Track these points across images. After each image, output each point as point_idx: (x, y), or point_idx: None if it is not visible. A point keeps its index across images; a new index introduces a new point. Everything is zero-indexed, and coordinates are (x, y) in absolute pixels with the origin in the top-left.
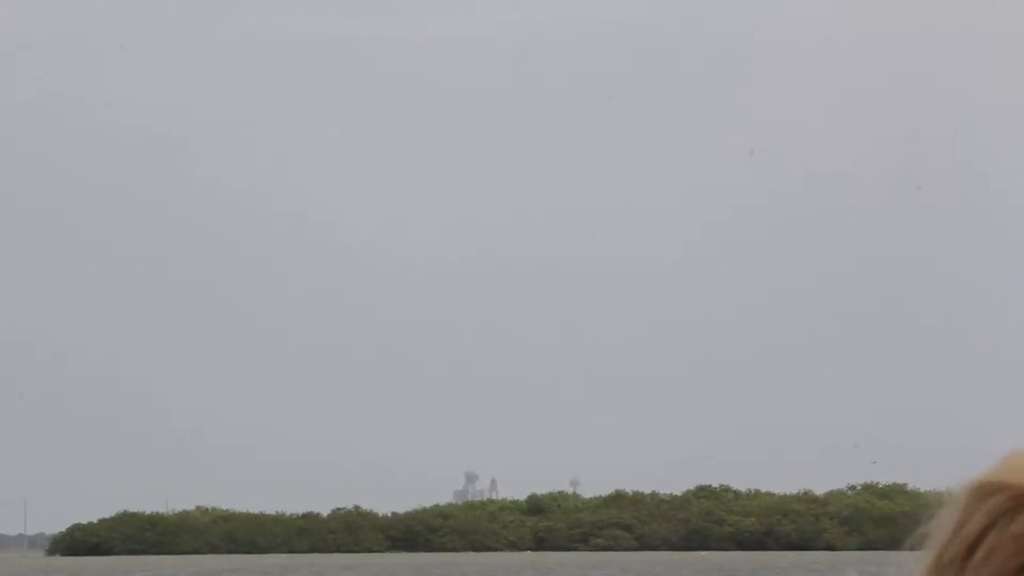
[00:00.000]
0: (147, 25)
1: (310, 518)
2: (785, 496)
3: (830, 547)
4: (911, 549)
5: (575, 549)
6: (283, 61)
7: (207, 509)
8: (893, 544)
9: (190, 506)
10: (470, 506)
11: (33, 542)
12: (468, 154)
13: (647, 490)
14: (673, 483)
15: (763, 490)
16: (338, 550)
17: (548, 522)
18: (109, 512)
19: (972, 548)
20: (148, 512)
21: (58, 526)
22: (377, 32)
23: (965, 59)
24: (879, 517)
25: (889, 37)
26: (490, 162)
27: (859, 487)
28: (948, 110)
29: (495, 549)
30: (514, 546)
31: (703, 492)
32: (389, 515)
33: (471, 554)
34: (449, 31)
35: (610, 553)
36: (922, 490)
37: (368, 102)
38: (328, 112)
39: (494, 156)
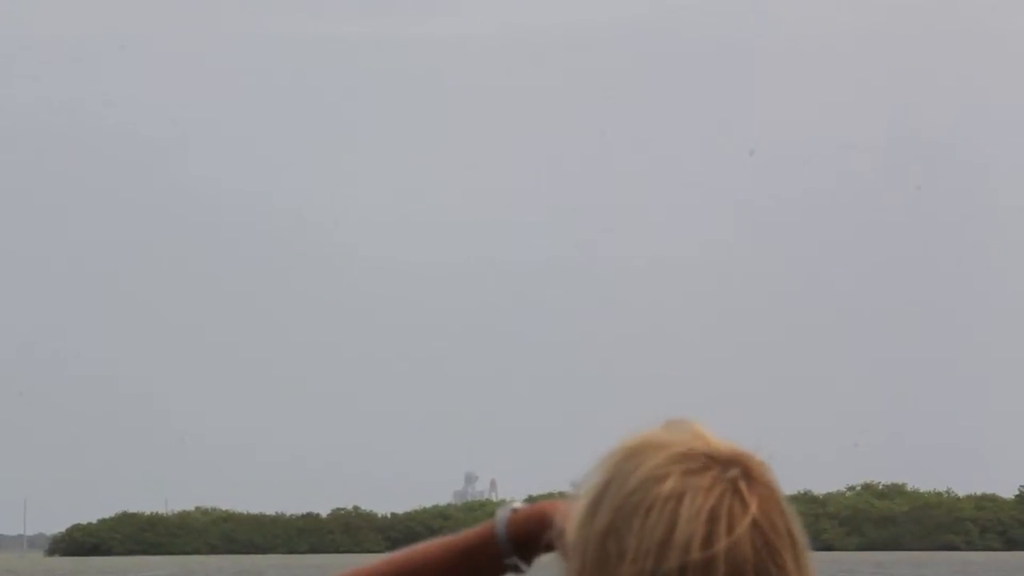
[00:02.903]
0: (147, 25)
1: (309, 519)
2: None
3: (829, 547)
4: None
5: None
6: (283, 61)
7: (207, 509)
8: (893, 544)
9: (190, 506)
10: (470, 507)
11: (33, 542)
12: (468, 154)
13: None
14: None
15: None
16: (337, 551)
17: None
18: (109, 512)
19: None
20: (148, 512)
21: (58, 526)
22: (377, 32)
23: (965, 59)
24: (878, 517)
25: (889, 37)
26: (490, 162)
27: (858, 487)
28: (948, 110)
29: None
30: None
31: None
32: (388, 516)
33: None
34: (449, 31)
35: None
36: (922, 490)
37: (368, 102)
38: (328, 112)
39: (494, 156)
